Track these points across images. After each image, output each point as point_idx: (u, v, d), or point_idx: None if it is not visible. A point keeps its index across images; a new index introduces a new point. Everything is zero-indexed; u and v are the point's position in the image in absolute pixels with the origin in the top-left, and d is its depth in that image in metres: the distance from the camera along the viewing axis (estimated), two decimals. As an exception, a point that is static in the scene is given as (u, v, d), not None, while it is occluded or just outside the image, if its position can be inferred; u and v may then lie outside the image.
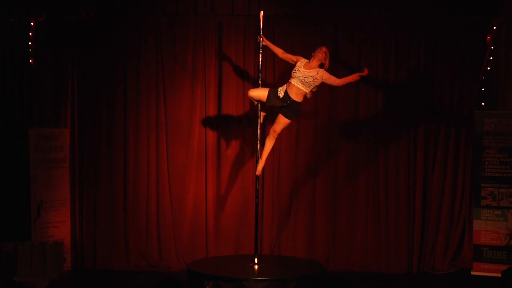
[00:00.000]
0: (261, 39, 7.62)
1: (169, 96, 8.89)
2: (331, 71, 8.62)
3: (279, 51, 7.69)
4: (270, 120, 8.82)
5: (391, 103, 8.87)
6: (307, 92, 7.44)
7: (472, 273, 8.64)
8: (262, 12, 7.73)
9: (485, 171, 8.65)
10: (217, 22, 8.84)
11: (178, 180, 8.89)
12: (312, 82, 7.41)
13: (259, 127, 7.75)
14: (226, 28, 8.86)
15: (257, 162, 7.78)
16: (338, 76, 7.69)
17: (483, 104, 8.91)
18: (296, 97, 7.42)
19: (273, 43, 7.85)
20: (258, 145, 7.76)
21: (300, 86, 7.39)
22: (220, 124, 8.93)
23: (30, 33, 8.85)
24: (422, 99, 8.85)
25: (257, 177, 7.80)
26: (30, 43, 8.87)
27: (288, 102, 7.43)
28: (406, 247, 8.83)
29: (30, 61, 8.88)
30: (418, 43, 8.85)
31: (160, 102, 8.89)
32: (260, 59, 7.70)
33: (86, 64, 8.91)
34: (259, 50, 7.70)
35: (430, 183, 8.86)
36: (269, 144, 7.67)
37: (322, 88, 8.80)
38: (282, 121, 7.55)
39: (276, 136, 7.66)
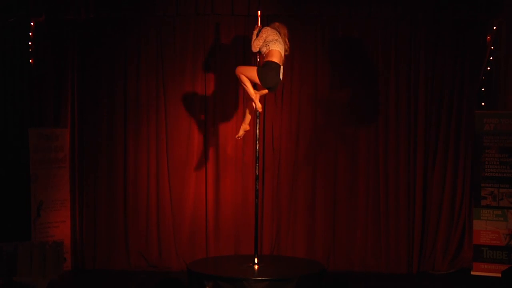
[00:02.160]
0: (258, 27, 7.64)
1: (169, 96, 8.89)
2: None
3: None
4: (270, 118, 8.86)
5: (391, 103, 8.86)
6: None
7: (472, 273, 8.64)
8: (259, 12, 7.76)
9: (485, 171, 8.65)
10: (217, 22, 8.84)
11: (178, 180, 8.88)
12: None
13: (258, 127, 7.73)
14: (226, 28, 8.86)
15: (257, 162, 7.81)
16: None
17: (483, 104, 8.90)
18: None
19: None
20: (258, 145, 7.76)
21: None
22: (220, 124, 8.92)
23: (30, 33, 8.84)
24: (422, 99, 8.84)
25: (257, 176, 7.81)
26: (30, 43, 8.86)
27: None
28: (406, 247, 8.82)
29: (30, 61, 8.88)
30: (418, 43, 8.84)
31: (160, 102, 8.88)
32: (259, 59, 7.70)
33: (86, 64, 8.91)
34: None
35: (430, 183, 8.84)
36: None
37: (322, 89, 8.88)
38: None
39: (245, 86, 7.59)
